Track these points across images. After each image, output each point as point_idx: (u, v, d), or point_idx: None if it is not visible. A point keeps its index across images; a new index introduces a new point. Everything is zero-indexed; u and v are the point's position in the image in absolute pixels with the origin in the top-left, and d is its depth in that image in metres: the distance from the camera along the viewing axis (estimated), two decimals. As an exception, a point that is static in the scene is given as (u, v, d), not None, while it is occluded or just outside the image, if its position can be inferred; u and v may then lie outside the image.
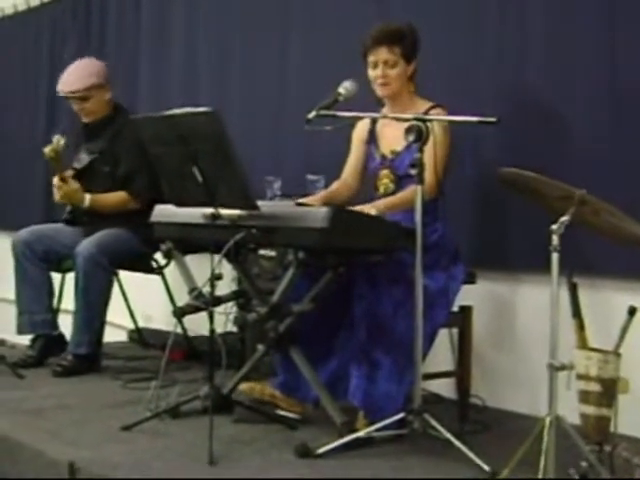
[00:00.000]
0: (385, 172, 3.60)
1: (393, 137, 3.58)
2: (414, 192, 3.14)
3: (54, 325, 4.58)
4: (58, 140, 4.26)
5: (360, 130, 3.75)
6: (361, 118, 3.64)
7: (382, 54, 3.51)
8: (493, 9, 3.84)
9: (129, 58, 5.82)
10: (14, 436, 3.28)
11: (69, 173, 4.50)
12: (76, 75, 4.56)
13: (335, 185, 3.77)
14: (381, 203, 3.42)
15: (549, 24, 3.64)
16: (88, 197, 4.42)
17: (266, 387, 3.55)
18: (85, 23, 6.23)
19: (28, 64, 6.81)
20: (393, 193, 3.55)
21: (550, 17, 3.63)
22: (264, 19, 4.90)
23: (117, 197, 4.49)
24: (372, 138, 3.70)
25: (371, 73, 3.54)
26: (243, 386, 3.55)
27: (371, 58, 3.53)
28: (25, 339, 4.64)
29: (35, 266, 4.50)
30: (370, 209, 3.32)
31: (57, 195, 4.42)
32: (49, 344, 4.54)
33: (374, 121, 3.69)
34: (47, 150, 4.28)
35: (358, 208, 3.34)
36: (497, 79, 3.83)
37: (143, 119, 3.50)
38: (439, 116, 3.37)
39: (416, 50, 3.55)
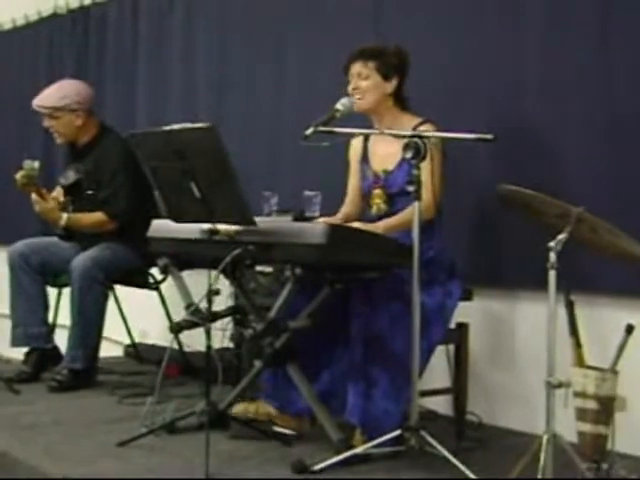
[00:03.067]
0: (377, 192, 3.60)
1: (384, 155, 3.59)
2: (412, 212, 3.16)
3: (48, 338, 4.57)
4: (31, 165, 4.25)
5: (354, 151, 3.76)
6: (358, 134, 3.65)
7: (356, 67, 3.55)
8: (490, 29, 3.85)
9: (127, 74, 5.83)
10: (10, 452, 3.27)
11: (55, 194, 4.50)
12: (51, 92, 4.56)
13: (347, 210, 3.76)
14: (381, 225, 3.43)
15: (545, 43, 3.65)
16: (65, 216, 4.41)
17: (260, 406, 3.54)
18: (83, 38, 6.24)
19: (25, 79, 6.81)
20: (386, 213, 3.55)
21: (547, 36, 3.65)
22: (261, 35, 4.91)
23: (94, 218, 4.47)
24: (364, 157, 3.70)
25: (348, 88, 3.56)
26: (237, 408, 3.54)
27: (349, 74, 3.57)
28: (20, 353, 4.63)
29: (31, 278, 4.49)
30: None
31: (36, 207, 4.43)
32: (43, 358, 4.52)
33: (366, 139, 3.70)
34: (19, 176, 4.26)
35: (359, 227, 3.35)
36: (493, 98, 3.84)
37: (141, 134, 3.51)
38: (431, 132, 3.37)
39: (399, 69, 3.56)
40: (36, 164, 4.26)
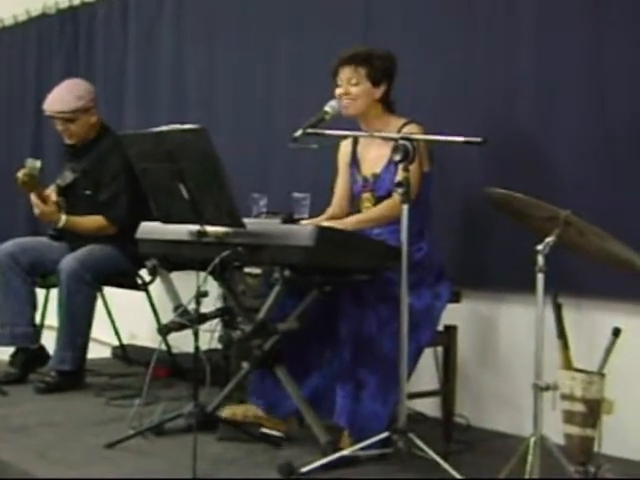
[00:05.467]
0: (367, 195, 3.61)
1: (373, 159, 3.60)
2: (384, 209, 3.36)
3: (34, 338, 4.54)
4: (33, 164, 4.23)
5: (343, 153, 3.77)
6: (347, 137, 3.66)
7: (346, 72, 3.54)
8: (483, 32, 3.85)
9: (117, 75, 5.81)
10: (-3, 454, 3.27)
11: (49, 192, 4.49)
12: (64, 95, 4.54)
13: (332, 210, 3.77)
14: (348, 221, 3.46)
15: (538, 51, 3.65)
16: (64, 218, 4.41)
17: (249, 409, 3.53)
18: (72, 38, 6.22)
19: (15, 78, 6.79)
20: None
21: (539, 39, 3.66)
22: (251, 37, 4.91)
23: (93, 222, 4.47)
24: (354, 160, 3.71)
25: (336, 92, 3.56)
26: (225, 411, 3.53)
27: (338, 77, 3.57)
28: (6, 354, 4.61)
29: (20, 278, 4.48)
30: (337, 226, 3.35)
31: (35, 211, 4.43)
32: (30, 358, 4.51)
33: (355, 143, 3.71)
34: (21, 175, 4.23)
35: (325, 225, 3.35)
36: (485, 102, 3.84)
37: (131, 136, 3.50)
38: (416, 131, 3.39)
39: (388, 74, 3.56)
40: (38, 164, 4.24)
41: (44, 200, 4.37)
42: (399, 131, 3.42)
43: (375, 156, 3.58)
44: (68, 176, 4.59)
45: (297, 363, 3.45)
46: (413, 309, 3.19)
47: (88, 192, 4.52)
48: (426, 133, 3.42)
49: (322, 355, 3.47)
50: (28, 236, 4.98)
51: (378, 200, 3.55)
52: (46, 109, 4.57)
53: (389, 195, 3.45)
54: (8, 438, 3.47)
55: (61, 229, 4.50)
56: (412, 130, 3.41)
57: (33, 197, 4.36)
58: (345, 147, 3.75)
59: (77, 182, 4.56)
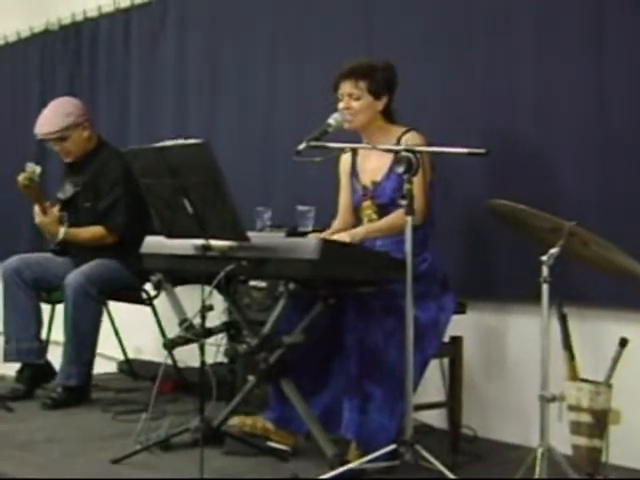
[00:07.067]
0: (367, 203, 3.61)
1: (373, 169, 3.61)
2: (394, 219, 3.34)
3: (40, 354, 4.54)
4: (33, 168, 4.24)
5: (344, 165, 3.78)
6: (350, 149, 3.66)
7: (347, 87, 3.55)
8: (483, 45, 3.86)
9: (119, 90, 5.83)
10: (4, 469, 3.25)
11: (51, 205, 4.49)
12: (51, 117, 4.54)
13: (337, 224, 3.77)
14: (358, 231, 3.46)
15: (539, 61, 3.66)
16: (62, 230, 4.42)
17: (258, 420, 3.53)
18: (76, 54, 6.24)
19: (17, 95, 6.81)
20: None
21: (540, 51, 3.66)
22: (253, 51, 4.93)
23: (92, 231, 4.48)
24: (353, 171, 3.72)
25: (339, 106, 3.57)
26: (234, 420, 3.53)
27: (339, 91, 3.58)
28: (12, 370, 4.61)
29: (24, 293, 4.48)
30: (345, 237, 3.36)
31: (36, 219, 4.44)
32: (36, 374, 4.51)
33: (354, 154, 3.72)
34: (21, 178, 4.25)
35: (335, 237, 3.36)
36: (487, 113, 3.85)
37: (134, 151, 3.51)
38: (417, 139, 3.41)
39: (389, 86, 3.57)
40: (38, 169, 4.25)
41: (44, 211, 4.39)
42: (399, 139, 3.44)
43: (375, 166, 3.59)
44: (69, 189, 4.61)
45: (306, 379, 3.44)
46: (418, 321, 3.19)
47: (88, 204, 4.54)
48: (427, 144, 3.43)
49: (331, 369, 3.46)
50: (32, 252, 4.99)
51: (379, 208, 3.56)
52: (37, 133, 4.58)
53: (391, 203, 3.45)
54: (14, 454, 3.46)
55: (63, 243, 4.50)
56: (412, 138, 3.44)
57: (36, 208, 4.38)
58: (345, 159, 3.76)
59: (78, 195, 4.57)
